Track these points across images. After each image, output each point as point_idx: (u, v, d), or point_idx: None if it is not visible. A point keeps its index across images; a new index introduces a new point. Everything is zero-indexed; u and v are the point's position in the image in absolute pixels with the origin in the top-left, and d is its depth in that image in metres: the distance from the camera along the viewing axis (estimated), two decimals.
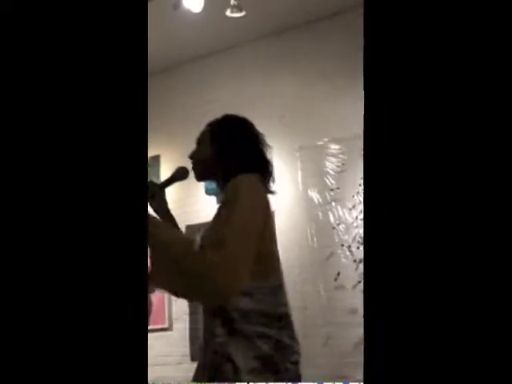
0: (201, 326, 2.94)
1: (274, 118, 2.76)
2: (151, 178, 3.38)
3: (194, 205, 2.89)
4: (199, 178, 1.24)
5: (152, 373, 3.15)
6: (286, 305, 1.04)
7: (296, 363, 1.00)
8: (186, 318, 2.73)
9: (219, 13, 2.28)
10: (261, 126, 1.16)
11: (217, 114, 3.00)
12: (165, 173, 3.04)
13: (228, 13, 1.99)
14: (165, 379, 2.68)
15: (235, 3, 1.95)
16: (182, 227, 2.84)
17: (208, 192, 2.84)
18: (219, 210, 1.00)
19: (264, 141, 1.17)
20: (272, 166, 1.16)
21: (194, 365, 2.53)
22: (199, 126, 3.36)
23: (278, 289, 1.04)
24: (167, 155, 3.07)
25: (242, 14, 1.98)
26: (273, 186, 1.14)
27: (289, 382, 0.97)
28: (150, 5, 2.16)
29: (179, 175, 1.28)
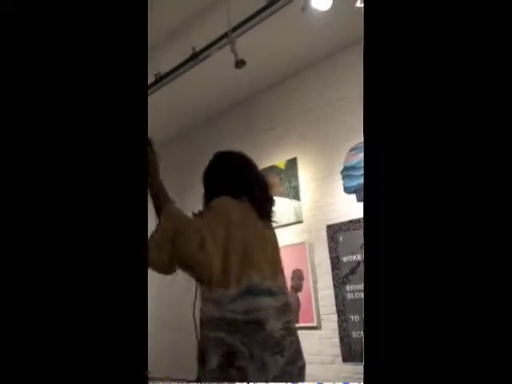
0: (350, 325, 2.91)
1: None
2: (290, 179, 3.43)
3: (333, 204, 2.88)
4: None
5: None
6: (241, 312, 1.12)
7: (241, 368, 1.06)
8: (335, 317, 2.72)
9: (347, 7, 2.23)
10: None
11: (346, 111, 2.96)
12: (302, 174, 3.09)
13: (358, 3, 1.93)
14: (315, 378, 2.71)
15: None
16: (323, 227, 2.86)
17: (347, 190, 2.80)
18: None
19: (249, 169, 1.39)
20: (257, 189, 1.34)
21: (347, 366, 2.51)
22: (331, 126, 3.31)
23: (237, 297, 1.13)
24: (303, 157, 3.12)
25: None
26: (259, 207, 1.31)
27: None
28: (279, 12, 2.22)
29: None
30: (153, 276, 1.05)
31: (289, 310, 1.26)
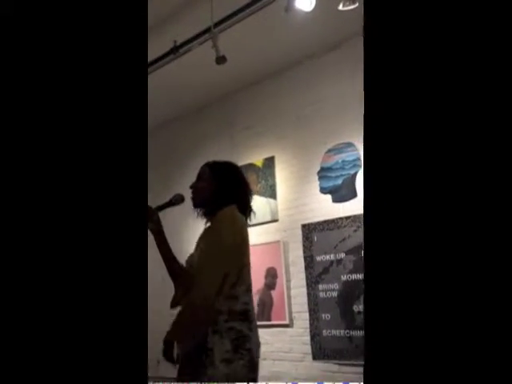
0: (321, 323, 2.96)
1: None
2: (267, 178, 3.44)
3: (309, 204, 2.91)
4: (196, 205, 1.53)
5: (271, 367, 3.22)
6: (247, 303, 1.40)
7: (249, 350, 1.33)
8: (306, 315, 2.75)
9: (330, 9, 2.25)
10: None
11: (325, 113, 3.00)
12: (279, 173, 3.10)
13: (340, 7, 1.94)
14: (285, 375, 2.74)
15: None
16: (298, 226, 2.88)
17: (323, 191, 2.83)
18: (206, 232, 1.52)
19: (245, 181, 1.57)
20: (249, 200, 1.53)
21: (316, 364, 2.57)
22: (310, 127, 3.33)
23: (245, 291, 1.40)
24: (281, 156, 3.14)
25: (355, 5, 1.91)
26: (250, 214, 1.53)
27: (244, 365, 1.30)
28: (262, 10, 2.22)
29: (176, 201, 1.53)
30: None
31: None
